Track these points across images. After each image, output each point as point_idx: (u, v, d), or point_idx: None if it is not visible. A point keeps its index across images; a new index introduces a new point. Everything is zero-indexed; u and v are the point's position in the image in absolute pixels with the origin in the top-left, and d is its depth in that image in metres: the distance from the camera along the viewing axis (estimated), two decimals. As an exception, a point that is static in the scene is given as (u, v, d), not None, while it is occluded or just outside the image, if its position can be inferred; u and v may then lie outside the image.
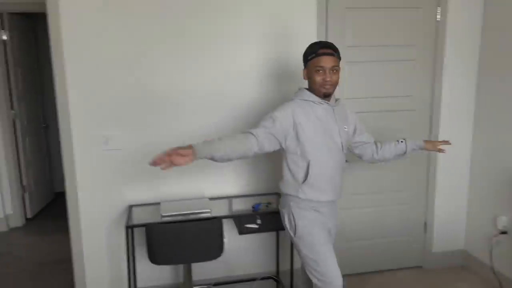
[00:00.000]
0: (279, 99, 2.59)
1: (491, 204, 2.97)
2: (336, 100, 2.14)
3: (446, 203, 3.15)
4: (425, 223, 3.20)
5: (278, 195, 2.75)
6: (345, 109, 2.19)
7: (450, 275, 3.12)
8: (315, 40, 2.63)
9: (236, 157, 1.91)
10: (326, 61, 1.96)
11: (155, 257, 2.29)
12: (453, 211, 3.18)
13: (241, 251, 2.90)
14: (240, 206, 2.68)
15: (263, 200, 2.69)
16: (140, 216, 2.49)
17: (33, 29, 4.71)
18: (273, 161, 2.75)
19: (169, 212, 2.44)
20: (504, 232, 2.84)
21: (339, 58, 2.02)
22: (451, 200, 3.16)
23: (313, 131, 2.00)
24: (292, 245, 2.62)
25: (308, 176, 2.01)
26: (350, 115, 2.21)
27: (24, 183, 4.27)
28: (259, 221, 2.58)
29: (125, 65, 2.53)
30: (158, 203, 2.63)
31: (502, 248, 2.88)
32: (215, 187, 2.78)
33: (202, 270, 2.83)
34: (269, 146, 1.97)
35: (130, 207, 2.62)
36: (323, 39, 2.66)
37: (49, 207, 4.77)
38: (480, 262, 3.07)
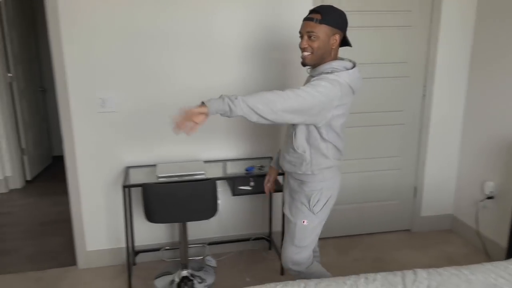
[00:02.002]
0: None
1: (479, 170, 3.04)
2: (322, 74, 1.87)
3: (437, 169, 3.23)
4: (415, 188, 3.28)
5: (270, 158, 2.82)
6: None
7: (436, 238, 3.24)
8: (309, 4, 2.65)
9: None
10: (304, 26, 1.87)
11: (151, 216, 2.38)
12: (443, 177, 3.26)
13: (235, 212, 3.00)
14: (234, 169, 2.75)
15: (256, 164, 2.76)
16: (137, 177, 2.55)
17: (28, -9, 4.63)
18: (267, 126, 2.80)
19: (165, 173, 2.51)
20: (490, 197, 2.93)
21: (328, 24, 1.81)
22: (442, 166, 3.24)
23: None
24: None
25: None
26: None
27: (23, 146, 4.33)
28: (252, 184, 2.66)
29: (120, 26, 2.53)
30: (154, 165, 2.69)
31: (488, 212, 2.97)
32: (209, 150, 2.84)
33: (197, 230, 2.93)
34: None
35: (127, 168, 2.69)
36: (319, 3, 2.65)
37: (48, 170, 4.85)
38: (467, 226, 3.18)
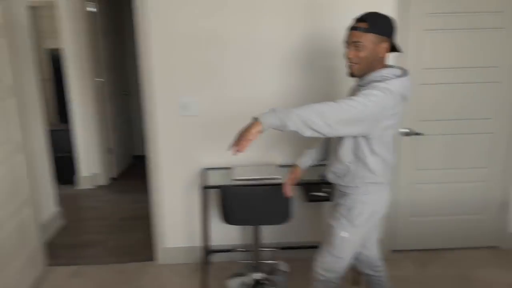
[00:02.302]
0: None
1: None
2: (372, 83, 1.79)
3: (530, 183, 2.95)
4: (503, 202, 3.03)
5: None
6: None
7: (529, 258, 2.96)
8: (393, 6, 2.56)
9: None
10: (349, 36, 1.81)
11: (227, 217, 2.44)
12: (537, 191, 2.97)
13: (308, 218, 2.97)
14: (308, 175, 2.72)
15: (332, 170, 2.71)
16: (214, 179, 2.63)
17: (118, 2, 4.99)
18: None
19: (240, 176, 2.56)
20: None
21: (375, 32, 1.74)
22: (536, 180, 2.95)
23: None
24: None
25: None
26: None
27: (110, 145, 4.67)
28: (326, 190, 2.62)
29: (203, 34, 2.63)
30: (230, 168, 2.76)
31: None
32: (284, 155, 2.85)
33: (271, 234, 2.95)
34: None
35: (205, 170, 2.78)
36: (402, 6, 2.56)
37: (129, 169, 5.17)
38: None
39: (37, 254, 2.81)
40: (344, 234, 1.93)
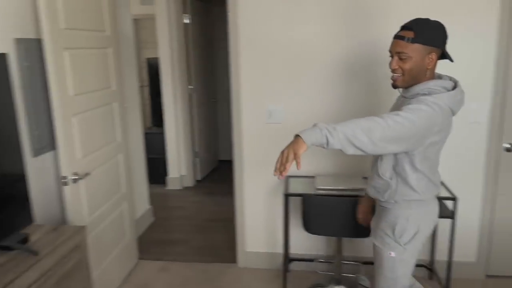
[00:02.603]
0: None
1: None
2: (418, 95, 1.68)
3: None
4: None
5: (439, 180, 2.60)
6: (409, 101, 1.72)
7: None
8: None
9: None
10: (394, 45, 1.69)
11: (308, 226, 2.43)
12: None
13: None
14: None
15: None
16: (296, 187, 2.64)
17: (210, 13, 5.26)
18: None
19: (324, 186, 2.54)
20: None
21: (422, 43, 1.61)
22: None
23: None
24: (452, 234, 2.46)
25: None
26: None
27: (196, 149, 4.91)
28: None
29: (292, 44, 2.67)
30: (313, 177, 2.75)
31: None
32: (367, 167, 2.76)
33: (353, 246, 2.88)
34: None
35: (287, 177, 2.80)
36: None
37: (214, 173, 5.38)
38: None
39: (132, 247, 3.04)
40: (392, 253, 1.81)
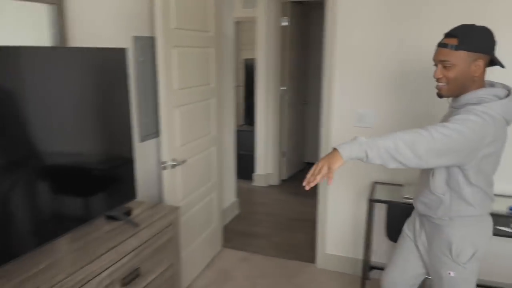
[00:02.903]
0: None
1: None
2: (467, 105, 1.58)
3: None
4: None
5: (545, 202, 2.36)
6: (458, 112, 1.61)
7: None
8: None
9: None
10: (437, 53, 1.61)
11: (392, 234, 2.38)
12: None
13: (490, 254, 2.64)
14: (495, 206, 2.43)
15: (524, 204, 2.36)
16: (382, 194, 2.59)
17: (308, 16, 5.34)
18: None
19: (411, 195, 2.45)
20: None
21: (467, 50, 1.52)
22: None
23: None
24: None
25: None
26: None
27: (284, 149, 5.02)
28: (515, 226, 2.30)
29: (387, 49, 2.63)
30: (401, 185, 2.67)
31: None
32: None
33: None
34: None
35: (374, 183, 2.76)
36: None
37: (299, 173, 5.44)
38: None
39: (217, 235, 3.24)
40: (451, 273, 1.70)
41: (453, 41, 1.55)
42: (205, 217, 3.00)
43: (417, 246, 1.87)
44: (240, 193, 4.33)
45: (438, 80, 1.63)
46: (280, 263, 3.15)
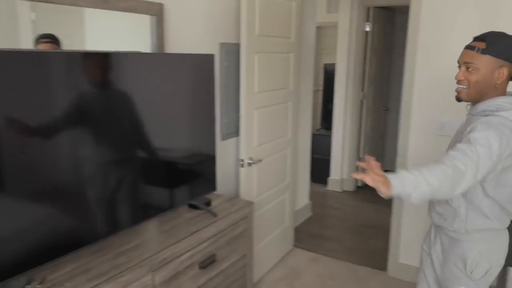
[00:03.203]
0: None
1: None
2: (485, 112, 1.55)
3: None
4: None
5: None
6: (475, 123, 1.54)
7: None
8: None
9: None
10: (462, 55, 1.60)
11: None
12: None
13: None
14: None
15: None
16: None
17: (391, 21, 5.23)
18: None
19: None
20: None
21: (493, 55, 1.50)
22: None
23: None
24: None
25: None
26: (468, 130, 1.56)
27: (361, 155, 4.97)
28: None
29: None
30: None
31: None
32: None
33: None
34: None
35: (453, 194, 2.66)
36: None
37: (376, 181, 5.34)
38: None
39: (289, 234, 3.34)
40: None
41: (481, 45, 1.54)
42: (278, 216, 3.12)
43: (431, 259, 1.82)
44: (313, 196, 4.38)
45: (459, 82, 1.61)
46: (351, 268, 3.16)
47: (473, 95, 1.59)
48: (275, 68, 2.79)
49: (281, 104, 2.93)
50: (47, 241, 1.40)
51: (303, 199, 4.07)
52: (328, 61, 5.40)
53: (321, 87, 5.59)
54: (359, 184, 5.05)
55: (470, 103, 1.67)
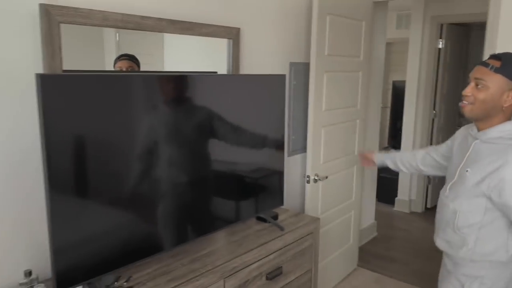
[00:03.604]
0: None
1: None
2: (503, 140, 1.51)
3: None
4: None
5: None
6: (498, 153, 1.50)
7: None
8: None
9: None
10: (474, 71, 1.55)
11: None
12: None
13: None
14: None
15: None
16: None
17: (466, 38, 5.04)
18: None
19: None
20: None
21: (505, 76, 1.46)
22: None
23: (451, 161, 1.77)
24: None
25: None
26: (494, 168, 1.49)
27: (430, 176, 4.78)
28: None
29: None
30: None
31: None
32: None
33: None
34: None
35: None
36: None
37: (446, 203, 5.10)
38: None
39: (353, 253, 3.31)
40: None
41: (496, 63, 1.50)
42: (342, 234, 3.11)
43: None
44: (379, 216, 4.29)
45: (465, 97, 1.57)
46: (417, 292, 3.06)
47: (476, 113, 1.56)
48: (344, 86, 2.83)
49: (349, 122, 2.96)
50: (133, 244, 1.56)
51: (369, 218, 4.00)
52: (397, 77, 5.31)
53: (389, 104, 5.49)
54: (429, 206, 4.86)
55: (472, 124, 1.67)
